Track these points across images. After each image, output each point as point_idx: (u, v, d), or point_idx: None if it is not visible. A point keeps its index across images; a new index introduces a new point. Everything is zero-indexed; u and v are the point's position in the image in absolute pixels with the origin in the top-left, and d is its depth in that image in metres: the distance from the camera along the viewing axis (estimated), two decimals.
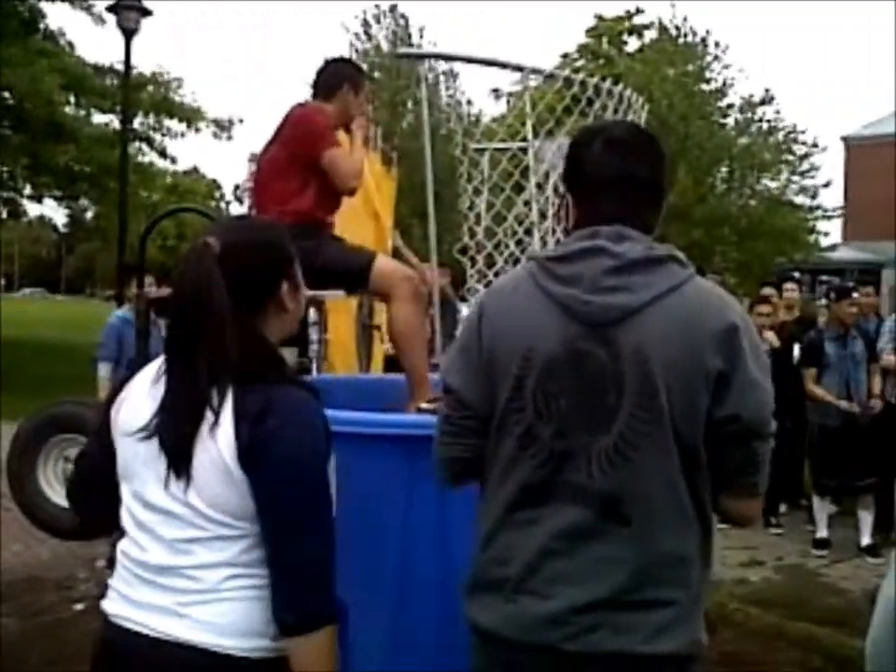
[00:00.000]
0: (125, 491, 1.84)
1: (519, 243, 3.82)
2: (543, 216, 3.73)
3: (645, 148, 1.94)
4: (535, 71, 3.66)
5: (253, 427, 1.70)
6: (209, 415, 1.72)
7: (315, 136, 3.52)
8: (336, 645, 1.79)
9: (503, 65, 3.83)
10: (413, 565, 2.91)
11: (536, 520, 1.85)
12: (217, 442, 1.71)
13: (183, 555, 1.75)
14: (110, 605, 1.83)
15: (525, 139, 3.83)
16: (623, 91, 3.86)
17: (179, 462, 1.73)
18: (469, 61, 3.60)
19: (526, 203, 3.79)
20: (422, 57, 3.57)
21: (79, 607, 5.07)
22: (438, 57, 3.59)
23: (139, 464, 1.80)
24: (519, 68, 3.68)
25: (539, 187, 3.77)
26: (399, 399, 3.48)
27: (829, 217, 25.83)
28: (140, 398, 1.83)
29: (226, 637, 1.73)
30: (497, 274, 4.06)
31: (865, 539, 6.60)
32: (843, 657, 4.67)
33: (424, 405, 3.25)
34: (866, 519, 6.63)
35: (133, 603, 1.79)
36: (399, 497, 2.90)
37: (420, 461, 2.88)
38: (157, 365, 1.85)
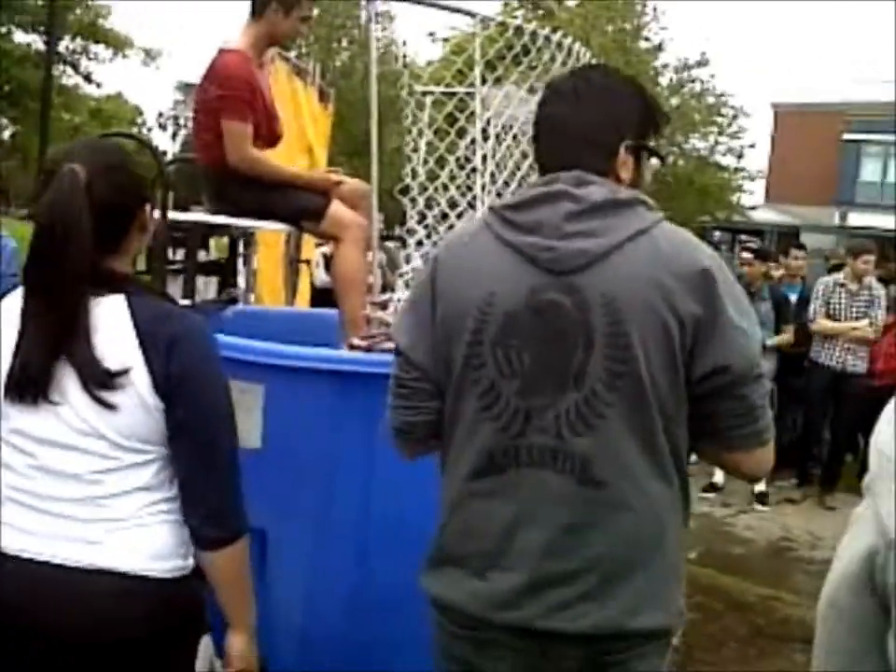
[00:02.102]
0: (4, 429, 1.79)
1: (459, 187, 3.81)
2: (485, 160, 3.73)
3: (597, 91, 1.80)
4: (486, 19, 3.64)
5: (167, 361, 1.74)
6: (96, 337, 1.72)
7: (223, 101, 3.47)
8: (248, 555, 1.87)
9: (453, 10, 3.80)
10: (335, 502, 2.93)
11: (502, 488, 1.73)
12: (130, 374, 1.72)
13: (94, 486, 1.75)
14: (2, 538, 1.77)
15: (471, 84, 3.81)
16: (572, 44, 3.86)
17: (37, 383, 1.72)
18: (419, 2, 3.56)
19: (470, 146, 3.78)
20: None
21: None
22: None
23: (14, 402, 1.76)
24: (471, 14, 3.66)
25: (484, 132, 3.76)
26: (329, 336, 3.50)
27: (752, 179, 26.35)
28: (6, 335, 1.78)
29: (145, 560, 1.76)
30: (435, 217, 4.06)
31: (758, 487, 6.80)
32: (743, 603, 4.88)
33: (356, 341, 3.25)
34: None
35: (32, 534, 1.75)
36: (325, 433, 2.91)
37: (348, 398, 2.90)
38: (16, 299, 1.80)
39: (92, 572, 1.72)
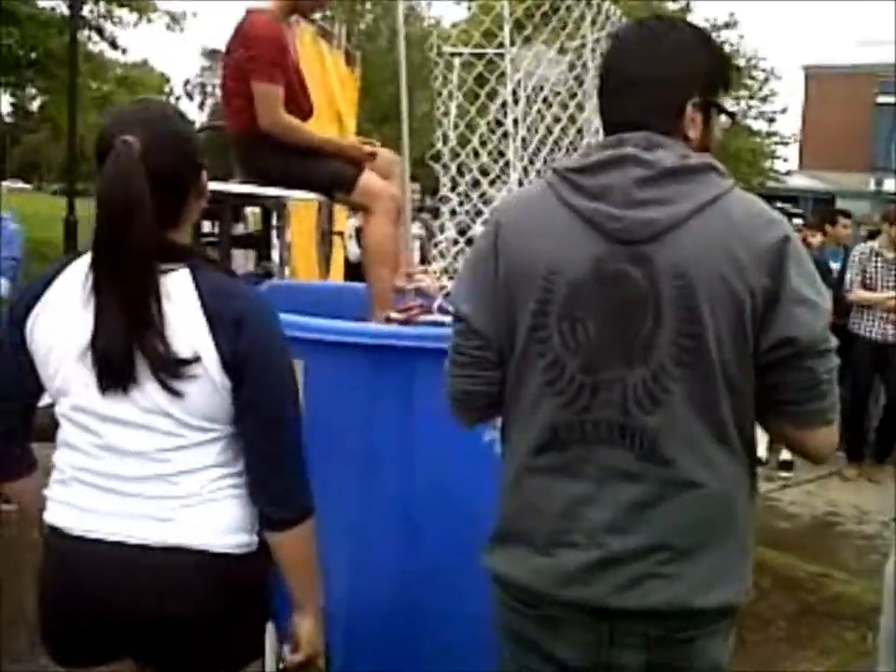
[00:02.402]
0: (65, 406, 1.77)
1: (490, 153, 3.71)
2: (516, 124, 3.63)
3: (664, 45, 1.71)
4: None
5: (234, 339, 1.71)
6: (179, 322, 1.69)
7: (252, 62, 3.39)
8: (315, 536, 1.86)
9: None
10: (378, 476, 2.89)
11: (566, 464, 1.68)
12: (195, 345, 1.69)
13: (160, 464, 1.73)
14: (63, 519, 1.77)
15: (500, 45, 3.70)
16: (602, 2, 3.74)
17: (121, 374, 1.69)
18: None
19: (501, 110, 3.68)
20: None
21: None
22: None
23: (84, 379, 1.72)
24: None
25: (514, 94, 3.66)
26: (362, 309, 3.44)
27: (785, 144, 26.02)
28: (71, 311, 1.74)
29: (213, 536, 1.75)
30: (467, 183, 3.97)
31: (783, 455, 6.70)
32: (791, 580, 4.81)
33: (394, 315, 3.19)
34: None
35: (99, 514, 1.74)
36: (365, 407, 2.87)
37: (387, 372, 2.85)
38: (75, 274, 1.76)
39: (161, 549, 1.72)
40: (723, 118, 1.80)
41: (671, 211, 1.59)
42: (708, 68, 1.74)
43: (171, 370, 1.69)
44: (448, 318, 3.08)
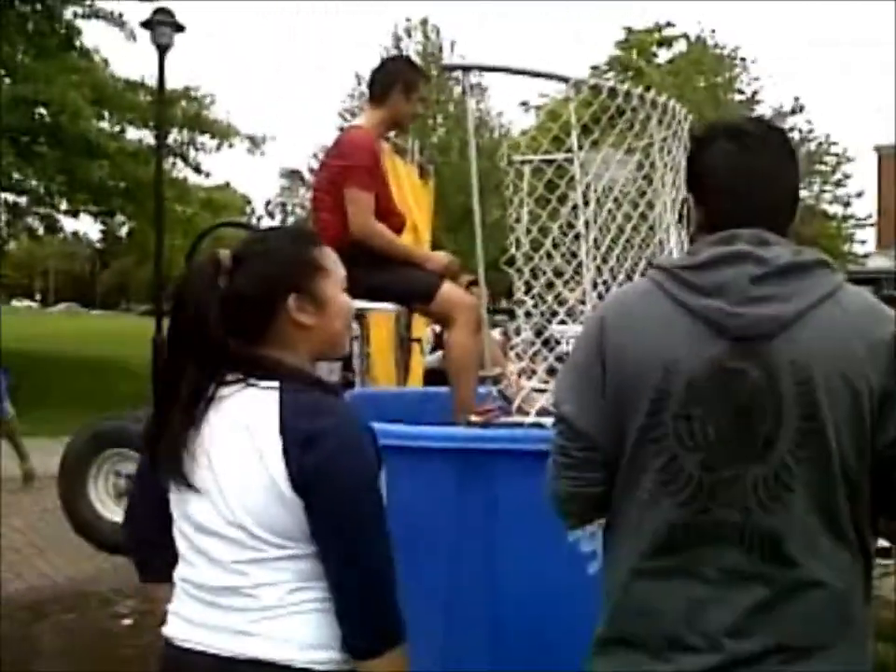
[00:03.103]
0: (176, 514, 1.81)
1: (563, 255, 3.78)
2: (588, 226, 3.69)
3: (773, 143, 1.76)
4: (579, 82, 3.63)
5: (305, 452, 1.67)
6: (244, 428, 1.71)
7: (347, 171, 3.56)
8: (408, 661, 1.76)
9: (547, 76, 3.81)
10: (461, 582, 2.90)
11: (684, 566, 1.64)
12: (268, 466, 1.68)
13: (240, 576, 1.72)
14: (172, 629, 1.81)
15: (568, 150, 3.80)
16: (666, 101, 3.83)
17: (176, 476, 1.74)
18: (515, 72, 3.57)
19: (572, 212, 3.76)
20: (468, 69, 3.52)
21: (127, 622, 5.09)
22: (483, 69, 3.54)
23: (181, 488, 1.77)
24: (563, 79, 3.65)
25: (584, 197, 3.74)
26: (444, 414, 3.49)
27: (862, 226, 25.74)
28: None
29: (299, 651, 1.71)
30: (542, 286, 4.04)
31: (880, 540, 6.42)
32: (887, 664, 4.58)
33: (473, 418, 3.23)
34: None
35: (195, 625, 1.76)
36: (448, 511, 2.89)
37: (469, 474, 2.89)
38: None
39: (241, 662, 1.70)
40: None
41: (788, 308, 1.60)
42: (798, 175, 1.81)
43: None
44: (526, 419, 3.13)
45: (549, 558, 2.91)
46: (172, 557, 1.83)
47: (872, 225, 28.88)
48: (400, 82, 3.76)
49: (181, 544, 1.81)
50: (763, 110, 23.97)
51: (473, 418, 3.24)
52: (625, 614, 1.73)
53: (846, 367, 1.58)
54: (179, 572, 1.82)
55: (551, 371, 3.77)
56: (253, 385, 1.74)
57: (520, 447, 2.99)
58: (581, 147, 3.75)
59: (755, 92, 23.89)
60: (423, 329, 7.49)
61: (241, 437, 1.71)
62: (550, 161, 4.08)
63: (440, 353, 7.99)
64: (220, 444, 1.73)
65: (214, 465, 1.73)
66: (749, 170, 1.73)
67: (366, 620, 1.72)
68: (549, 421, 3.09)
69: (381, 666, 1.73)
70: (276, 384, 1.73)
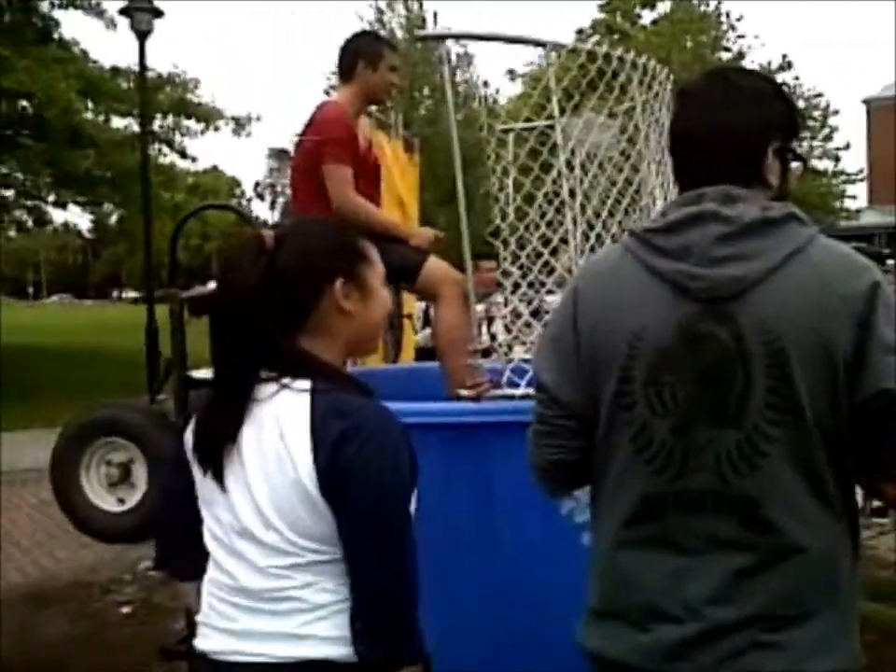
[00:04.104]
0: (206, 516, 1.74)
1: (549, 224, 3.74)
2: (573, 193, 3.65)
3: (743, 93, 1.69)
4: (557, 46, 3.59)
5: (333, 453, 1.60)
6: (275, 431, 1.65)
7: (323, 146, 3.54)
8: None
9: (524, 42, 3.75)
10: (456, 557, 2.88)
11: (661, 535, 1.62)
12: (297, 468, 1.62)
13: (281, 580, 1.65)
14: (209, 642, 1.72)
15: (549, 117, 3.76)
16: (647, 62, 3.78)
17: (217, 474, 1.68)
18: (490, 39, 3.52)
19: (555, 181, 3.72)
20: (443, 38, 3.47)
21: (125, 610, 5.10)
22: (459, 37, 3.50)
23: (212, 488, 1.71)
24: (540, 44, 3.61)
25: (568, 164, 3.70)
26: (438, 390, 3.48)
27: (853, 181, 25.70)
28: None
29: (347, 647, 1.65)
30: (528, 256, 4.01)
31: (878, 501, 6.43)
32: (883, 625, 4.60)
33: (463, 392, 3.21)
34: None
35: (238, 635, 1.68)
36: (438, 486, 2.87)
37: (460, 449, 2.87)
38: None
39: (295, 665, 1.64)
40: (796, 164, 1.78)
41: (754, 266, 1.56)
42: (784, 116, 1.74)
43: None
44: (517, 391, 3.12)
45: (543, 530, 2.91)
46: (200, 554, 1.76)
47: (862, 180, 28.83)
48: (363, 55, 3.74)
49: (214, 549, 1.73)
50: (750, 66, 23.89)
51: (464, 392, 3.21)
52: (609, 584, 1.72)
53: (817, 324, 1.54)
54: (212, 578, 1.74)
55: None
56: (286, 387, 1.67)
57: (511, 419, 2.98)
58: (562, 113, 3.71)
59: (741, 51, 23.80)
60: (413, 304, 7.45)
61: (272, 439, 1.65)
62: (532, 129, 4.03)
63: (428, 330, 7.98)
64: (253, 446, 1.67)
65: (246, 466, 1.67)
66: (699, 127, 1.69)
67: (384, 630, 1.65)
68: None
69: None
70: (309, 384, 1.67)
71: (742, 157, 1.67)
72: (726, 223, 1.59)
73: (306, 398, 1.66)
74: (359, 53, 3.75)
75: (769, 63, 23.97)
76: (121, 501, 3.88)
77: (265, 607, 1.66)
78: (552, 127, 3.74)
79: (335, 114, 3.65)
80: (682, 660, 1.60)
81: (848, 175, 25.84)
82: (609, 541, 1.71)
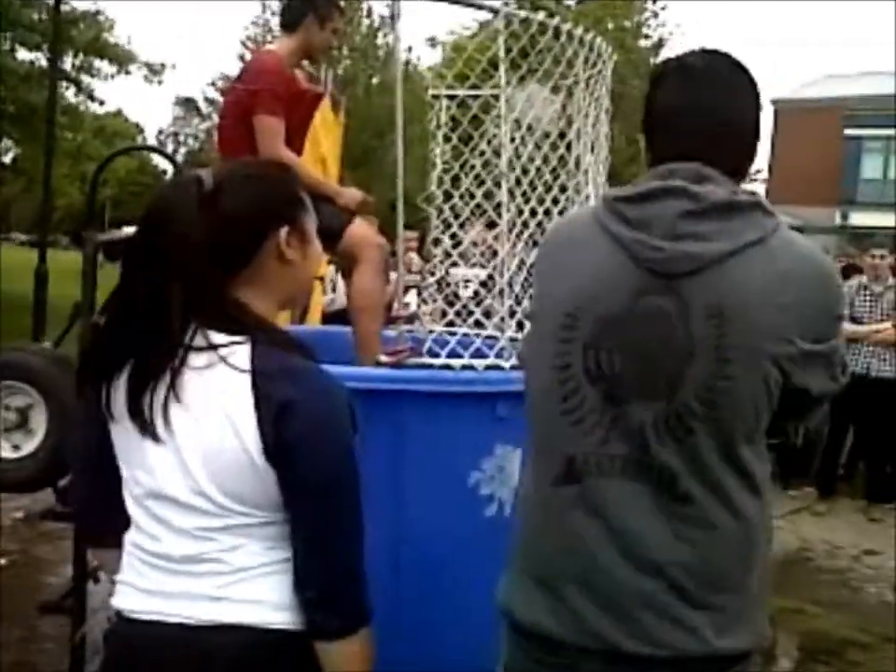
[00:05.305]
0: (126, 475, 1.66)
1: (487, 195, 3.71)
2: (512, 166, 3.62)
3: (725, 78, 1.69)
4: (510, 14, 3.54)
5: (279, 421, 1.54)
6: (213, 395, 1.56)
7: (256, 96, 3.45)
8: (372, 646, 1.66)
9: (478, 6, 3.70)
10: (367, 522, 2.85)
11: (582, 498, 1.62)
12: (239, 434, 1.54)
13: (207, 542, 1.59)
14: (127, 600, 1.65)
15: (495, 86, 3.72)
16: (595, 39, 3.76)
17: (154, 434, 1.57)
18: (448, 0, 3.46)
19: (495, 153, 3.69)
20: None
21: (1, 561, 4.92)
22: None
23: (134, 447, 1.62)
24: (494, 10, 3.56)
25: (510, 135, 3.67)
26: (346, 353, 3.41)
27: (753, 180, 26.35)
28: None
29: (270, 612, 1.60)
30: (462, 225, 3.98)
31: None
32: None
33: (383, 358, 3.16)
34: None
35: (155, 594, 1.62)
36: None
37: (376, 415, 2.81)
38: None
39: (216, 628, 1.58)
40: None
41: (712, 248, 1.55)
42: (758, 112, 1.75)
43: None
44: (436, 361, 3.09)
45: (449, 501, 2.94)
46: (123, 522, 1.69)
47: (764, 180, 29.59)
48: (313, 9, 3.66)
49: (134, 511, 1.66)
50: (667, 55, 24.20)
51: (383, 358, 3.16)
52: (529, 547, 1.72)
53: (763, 316, 1.54)
54: (133, 540, 1.67)
55: (458, 315, 3.74)
56: (223, 346, 1.57)
57: (426, 388, 2.97)
58: (507, 84, 3.67)
59: (661, 38, 24.07)
60: (324, 266, 7.36)
61: (208, 403, 1.56)
62: (475, 97, 3.99)
63: (332, 294, 7.92)
64: (185, 408, 1.57)
65: (174, 426, 1.57)
66: (688, 104, 1.68)
67: (338, 597, 1.62)
68: (458, 363, 3.05)
69: (353, 646, 1.62)
70: (248, 344, 1.58)
71: (729, 140, 1.67)
72: (693, 200, 1.58)
73: (246, 358, 1.57)
74: (310, 6, 3.66)
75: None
76: (16, 448, 3.74)
77: (184, 568, 1.60)
78: (496, 97, 3.70)
79: (272, 64, 3.56)
80: (597, 631, 1.60)
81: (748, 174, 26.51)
82: (532, 500, 1.72)
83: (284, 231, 1.65)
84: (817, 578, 5.66)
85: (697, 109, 1.67)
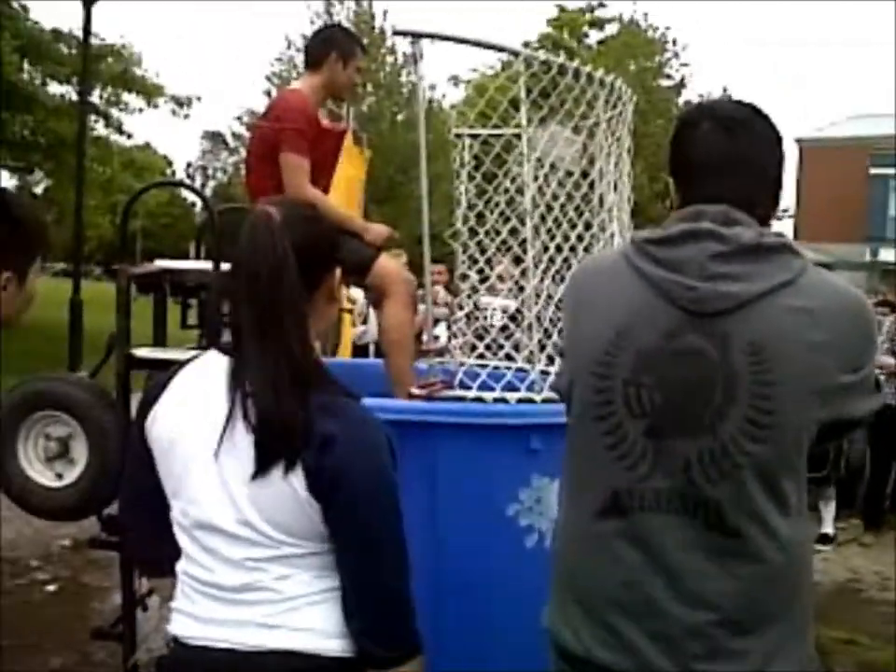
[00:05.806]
0: (176, 509, 1.71)
1: (513, 231, 3.76)
2: (536, 203, 3.67)
3: (757, 128, 1.76)
4: (530, 57, 3.60)
5: (320, 456, 1.59)
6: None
7: (282, 134, 3.50)
8: None
9: (499, 49, 3.77)
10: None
11: (627, 531, 1.65)
12: (284, 468, 1.59)
13: (257, 572, 1.64)
14: (181, 627, 1.70)
15: (517, 125, 3.77)
16: (615, 81, 3.82)
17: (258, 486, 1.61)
18: (468, 42, 3.51)
19: (519, 190, 3.74)
20: (419, 36, 3.44)
21: (50, 588, 4.97)
22: (435, 37, 3.46)
23: (194, 481, 1.66)
24: (515, 52, 3.63)
25: (535, 173, 3.72)
26: (381, 385, 3.46)
27: (779, 218, 26.34)
28: (191, 405, 1.68)
29: (325, 640, 1.65)
30: (488, 261, 4.03)
31: (823, 528, 6.70)
32: (816, 647, 4.71)
33: (415, 391, 3.21)
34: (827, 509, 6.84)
35: (209, 622, 1.66)
36: None
37: (407, 447, 2.84)
38: (201, 364, 1.72)
39: (267, 654, 1.62)
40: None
41: (746, 287, 1.60)
42: (782, 159, 1.81)
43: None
44: (469, 394, 3.12)
45: (488, 532, 2.94)
46: (174, 550, 1.74)
47: (790, 217, 29.55)
48: (336, 49, 3.72)
49: (184, 541, 1.71)
50: (690, 96, 24.32)
51: (415, 391, 3.21)
52: (571, 575, 1.76)
53: (803, 355, 1.58)
54: (185, 570, 1.72)
55: (488, 347, 3.78)
56: None
57: (459, 421, 2.99)
58: (529, 123, 3.73)
59: (683, 78, 24.22)
60: (357, 300, 7.43)
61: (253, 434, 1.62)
62: (497, 136, 4.05)
63: (362, 327, 7.99)
64: (230, 437, 1.62)
65: (220, 457, 1.63)
66: (722, 153, 1.73)
67: (386, 627, 1.67)
68: (490, 396, 3.09)
69: None
70: None
71: (758, 190, 1.75)
72: (723, 242, 1.63)
73: None
74: (333, 45, 3.73)
75: (710, 94, 24.43)
76: (59, 476, 3.79)
77: (236, 597, 1.65)
78: (518, 136, 3.76)
79: (297, 102, 3.62)
80: (645, 660, 1.62)
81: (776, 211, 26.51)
82: (575, 531, 1.75)
83: (336, 274, 1.76)
84: (868, 609, 5.61)
85: (729, 157, 1.72)
